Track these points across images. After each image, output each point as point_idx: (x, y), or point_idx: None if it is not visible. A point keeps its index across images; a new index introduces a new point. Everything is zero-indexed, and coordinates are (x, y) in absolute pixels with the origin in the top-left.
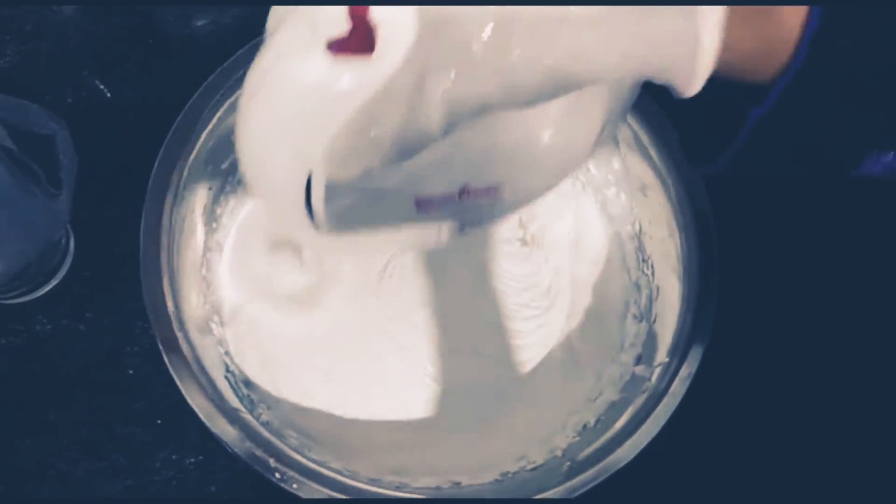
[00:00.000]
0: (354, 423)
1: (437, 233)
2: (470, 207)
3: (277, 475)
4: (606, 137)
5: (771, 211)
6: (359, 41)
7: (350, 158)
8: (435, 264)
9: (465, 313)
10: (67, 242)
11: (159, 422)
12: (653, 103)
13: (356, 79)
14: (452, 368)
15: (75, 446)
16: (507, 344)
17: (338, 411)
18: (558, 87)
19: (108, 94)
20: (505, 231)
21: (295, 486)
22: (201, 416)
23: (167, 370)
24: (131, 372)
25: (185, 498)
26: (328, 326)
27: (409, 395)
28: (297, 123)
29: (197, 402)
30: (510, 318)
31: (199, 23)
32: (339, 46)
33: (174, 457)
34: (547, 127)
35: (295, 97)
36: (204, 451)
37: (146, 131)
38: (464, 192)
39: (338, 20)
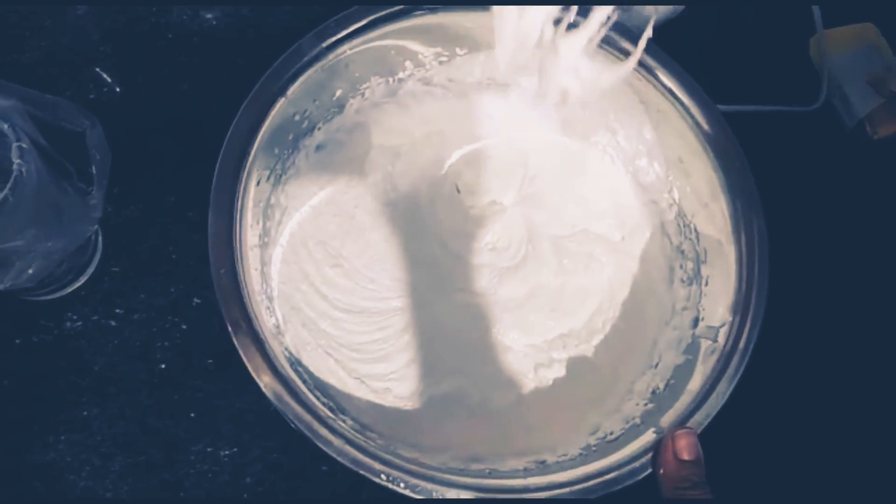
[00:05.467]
0: (429, 417)
1: None
2: None
3: (384, 476)
4: None
5: (811, 163)
6: None
7: None
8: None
9: (518, 299)
10: (96, 239)
11: (192, 415)
12: (681, 69)
13: None
14: (513, 352)
15: (110, 441)
16: (558, 320)
17: (411, 409)
18: None
19: (128, 90)
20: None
21: (402, 485)
22: (305, 431)
23: (199, 364)
24: (163, 366)
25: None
26: (391, 327)
27: (476, 383)
28: None
29: (301, 420)
30: (558, 293)
31: (209, 15)
32: None
33: (209, 449)
34: None
35: None
36: (238, 443)
37: (167, 127)
38: None
39: None
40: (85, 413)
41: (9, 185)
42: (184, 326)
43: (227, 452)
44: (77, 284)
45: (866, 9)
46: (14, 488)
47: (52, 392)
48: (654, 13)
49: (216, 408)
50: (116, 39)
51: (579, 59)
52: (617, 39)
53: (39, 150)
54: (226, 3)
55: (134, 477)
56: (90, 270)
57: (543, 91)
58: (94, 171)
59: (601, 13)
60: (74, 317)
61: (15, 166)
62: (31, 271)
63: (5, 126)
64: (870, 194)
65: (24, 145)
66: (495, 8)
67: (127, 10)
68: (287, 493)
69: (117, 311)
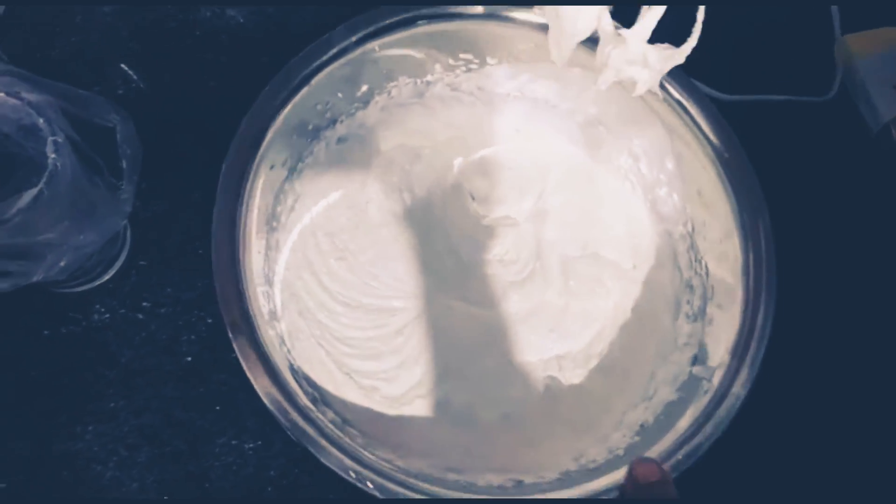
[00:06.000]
0: (413, 421)
1: None
2: None
3: (352, 474)
4: None
5: (829, 210)
6: None
7: None
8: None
9: (519, 315)
10: (125, 233)
11: (218, 408)
12: (711, 105)
13: None
14: (506, 367)
15: (136, 433)
16: (556, 341)
17: (396, 411)
18: None
19: (155, 87)
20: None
21: (370, 484)
22: (279, 417)
23: (224, 357)
24: (189, 359)
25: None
26: (387, 327)
27: (466, 394)
28: None
29: (275, 402)
30: (560, 314)
31: (235, 14)
32: None
33: (233, 442)
34: None
35: None
36: (262, 436)
37: (194, 123)
38: None
39: None
40: (112, 404)
41: (44, 179)
42: (209, 320)
43: (251, 445)
44: (105, 277)
45: (893, 12)
46: (42, 477)
47: (80, 383)
48: None
49: (241, 401)
50: (144, 37)
51: (646, 47)
52: None
53: (72, 144)
54: (252, 2)
55: (160, 468)
56: (118, 264)
57: (607, 81)
58: (125, 166)
59: None
60: (102, 309)
61: (50, 160)
62: (62, 264)
63: (40, 121)
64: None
65: (59, 139)
66: (548, 8)
67: (155, 8)
68: (310, 487)
69: (144, 304)
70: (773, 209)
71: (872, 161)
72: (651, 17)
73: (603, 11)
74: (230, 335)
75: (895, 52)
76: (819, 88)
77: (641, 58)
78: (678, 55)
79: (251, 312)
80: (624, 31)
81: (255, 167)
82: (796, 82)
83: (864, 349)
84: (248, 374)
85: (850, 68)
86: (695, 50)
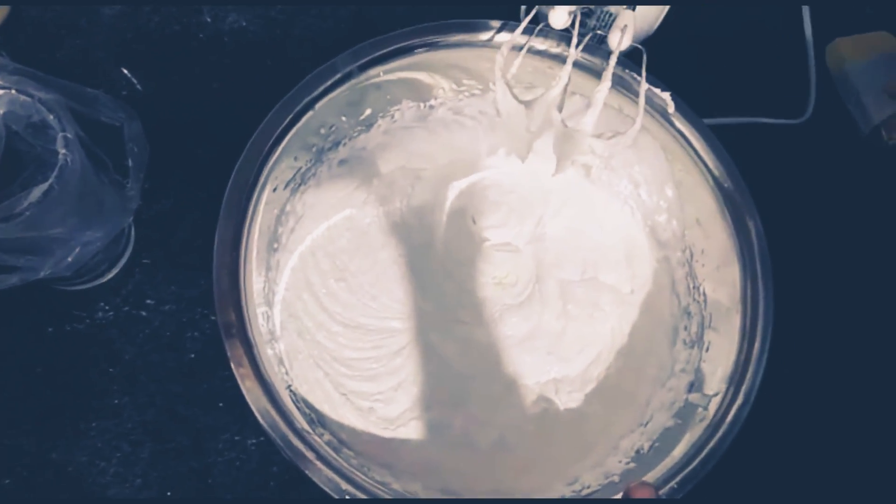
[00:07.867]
0: (408, 443)
1: None
2: None
3: (347, 497)
4: None
5: (825, 239)
6: None
7: None
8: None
9: (516, 337)
10: (129, 232)
11: (221, 404)
12: (712, 134)
13: None
14: (503, 390)
15: (140, 429)
16: (553, 364)
17: (392, 432)
18: None
19: (160, 88)
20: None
21: None
22: (275, 438)
23: (227, 354)
24: (193, 356)
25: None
26: (385, 348)
27: (461, 416)
28: None
29: (272, 424)
30: (557, 337)
31: (239, 17)
32: None
33: (236, 438)
34: None
35: None
36: (265, 432)
37: (198, 124)
38: None
39: None
40: (116, 401)
41: (54, 174)
42: (213, 317)
43: (254, 441)
44: (110, 275)
45: (882, 17)
46: (46, 474)
47: (84, 380)
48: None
49: (244, 397)
50: (148, 40)
51: (592, 140)
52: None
53: (79, 141)
54: (256, 5)
55: (163, 464)
56: (122, 262)
57: (562, 169)
58: (131, 164)
59: (602, 93)
60: (106, 307)
61: (60, 156)
62: (70, 259)
63: (50, 117)
64: (886, 199)
65: (69, 135)
66: (503, 109)
67: (159, 11)
68: (312, 483)
69: (148, 301)
70: (767, 229)
71: (863, 166)
72: (591, 114)
73: (552, 110)
74: (228, 354)
75: (885, 56)
76: (795, 110)
77: (590, 149)
78: (623, 142)
79: (250, 335)
80: (571, 127)
81: (258, 189)
82: (770, 103)
83: (861, 377)
84: (246, 396)
85: (840, 71)
86: (676, 71)
